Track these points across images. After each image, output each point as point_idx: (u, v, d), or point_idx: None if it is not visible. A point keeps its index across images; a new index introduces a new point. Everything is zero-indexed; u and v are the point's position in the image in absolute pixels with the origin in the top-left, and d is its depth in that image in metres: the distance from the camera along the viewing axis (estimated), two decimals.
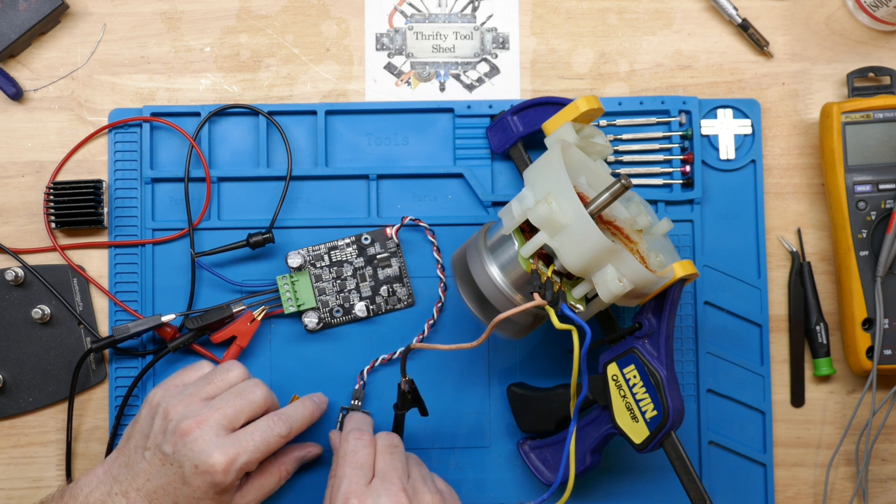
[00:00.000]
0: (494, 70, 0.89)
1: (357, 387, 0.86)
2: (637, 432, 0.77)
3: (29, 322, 0.86)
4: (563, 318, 0.72)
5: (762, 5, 0.90)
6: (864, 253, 0.84)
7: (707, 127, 0.88)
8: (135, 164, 0.87)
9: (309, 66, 0.89)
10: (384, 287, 0.86)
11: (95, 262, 0.87)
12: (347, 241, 0.86)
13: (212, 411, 0.74)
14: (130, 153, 0.87)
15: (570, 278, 0.75)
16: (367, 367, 0.86)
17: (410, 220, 0.86)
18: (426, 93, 0.89)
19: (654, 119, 0.87)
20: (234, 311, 0.84)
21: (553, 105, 0.83)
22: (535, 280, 0.73)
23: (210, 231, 0.87)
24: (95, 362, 0.86)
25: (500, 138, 0.86)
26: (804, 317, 0.87)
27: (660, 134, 0.87)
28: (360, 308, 0.86)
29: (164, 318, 0.84)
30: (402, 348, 0.84)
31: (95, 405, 0.87)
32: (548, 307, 0.72)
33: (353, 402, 0.85)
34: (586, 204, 0.74)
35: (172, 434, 0.74)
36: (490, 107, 0.87)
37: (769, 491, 0.86)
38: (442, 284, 0.86)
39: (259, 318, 0.85)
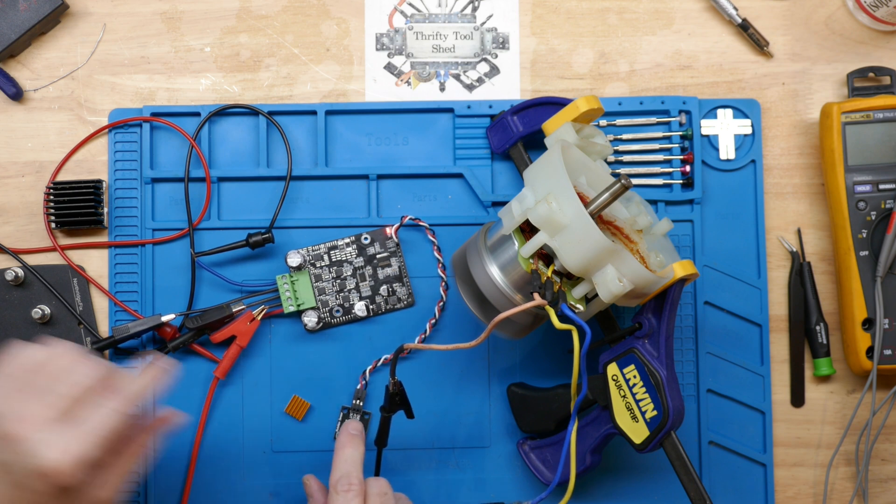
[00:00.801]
0: (494, 70, 0.89)
1: (359, 386, 0.86)
2: (637, 432, 0.77)
3: (29, 322, 0.86)
4: (563, 318, 0.72)
5: (762, 5, 0.90)
6: (864, 253, 0.84)
7: (707, 127, 0.88)
8: (135, 164, 0.87)
9: (309, 66, 0.89)
10: (384, 287, 0.86)
11: (95, 262, 0.87)
12: (347, 240, 0.86)
13: (36, 405, 0.63)
14: (130, 153, 0.87)
15: (570, 278, 0.75)
16: (370, 366, 0.86)
17: (410, 219, 0.86)
18: (426, 93, 0.89)
19: (654, 119, 0.87)
20: (234, 310, 0.84)
21: (553, 105, 0.83)
22: (535, 280, 0.73)
23: (210, 231, 0.87)
24: None
25: (500, 138, 0.86)
26: (804, 317, 0.87)
27: (660, 134, 0.87)
28: (359, 308, 0.86)
29: (164, 318, 0.84)
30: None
31: None
32: (548, 307, 0.72)
33: (354, 401, 0.85)
34: (586, 204, 0.74)
35: (1, 440, 0.62)
36: (490, 107, 0.87)
37: (769, 491, 0.86)
38: (443, 283, 0.86)
39: (259, 318, 0.85)
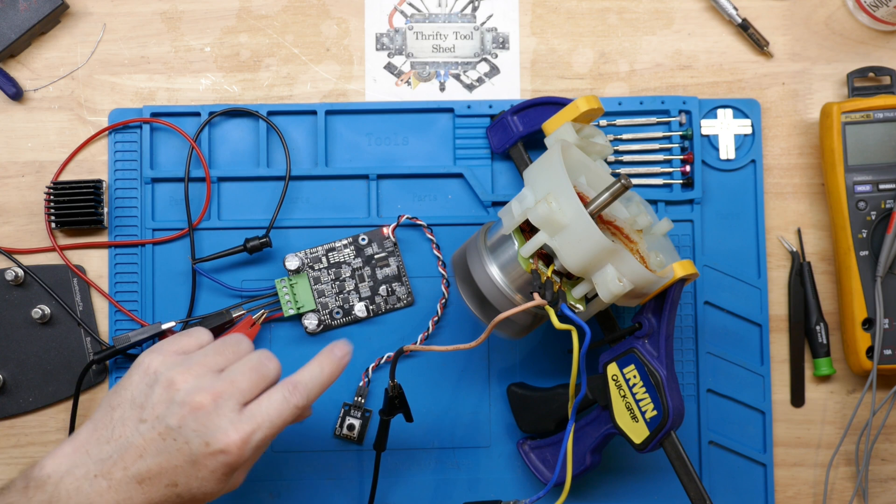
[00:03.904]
0: (494, 70, 0.89)
1: (361, 384, 0.86)
2: (637, 432, 0.77)
3: (29, 322, 0.86)
4: (562, 318, 0.72)
5: (762, 5, 0.90)
6: (864, 253, 0.84)
7: (707, 127, 0.88)
8: (135, 164, 0.87)
9: (309, 66, 0.89)
10: (383, 287, 0.86)
11: (95, 262, 0.87)
12: (345, 241, 0.86)
13: (226, 384, 0.67)
14: (130, 153, 0.87)
15: (570, 278, 0.75)
16: (373, 364, 0.86)
17: (407, 218, 0.86)
18: (426, 93, 0.89)
19: (654, 119, 0.87)
20: (234, 316, 0.84)
21: (553, 105, 0.83)
22: (535, 280, 0.73)
23: (210, 231, 0.87)
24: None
25: (500, 138, 0.86)
26: (804, 317, 0.87)
27: (660, 134, 0.87)
28: (359, 308, 0.86)
29: (165, 326, 0.84)
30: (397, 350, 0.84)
31: (96, 405, 0.86)
32: (548, 307, 0.72)
33: (356, 398, 0.85)
34: (586, 204, 0.74)
35: (181, 406, 0.65)
36: (490, 107, 0.87)
37: (769, 491, 0.86)
38: (444, 281, 0.86)
39: (259, 323, 0.84)
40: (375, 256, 0.86)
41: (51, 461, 0.66)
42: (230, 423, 0.66)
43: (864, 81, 0.88)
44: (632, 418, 0.77)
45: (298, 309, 0.85)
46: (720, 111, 0.88)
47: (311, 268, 0.86)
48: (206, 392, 0.66)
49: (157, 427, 0.66)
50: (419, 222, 0.86)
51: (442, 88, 0.89)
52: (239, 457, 0.66)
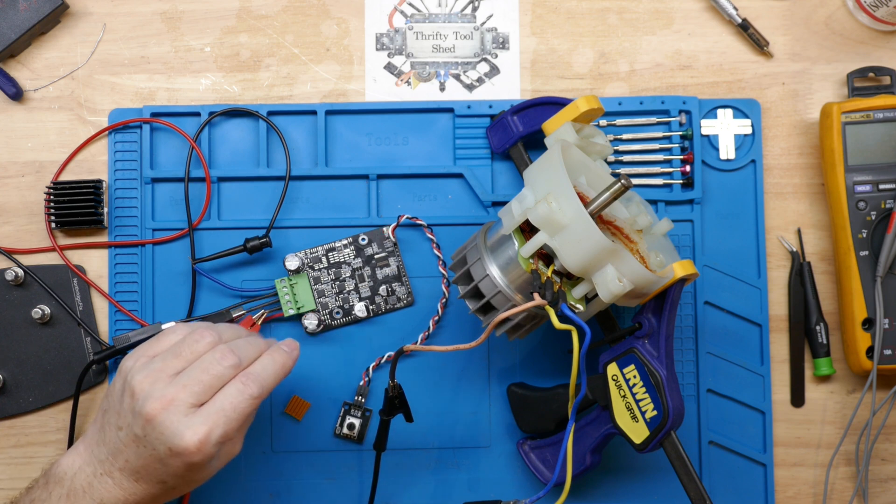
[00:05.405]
0: (494, 70, 0.89)
1: (362, 383, 0.86)
2: (637, 432, 0.77)
3: (29, 322, 0.86)
4: (562, 318, 0.72)
5: (762, 5, 0.90)
6: (864, 253, 0.84)
7: (707, 127, 0.88)
8: (135, 164, 0.87)
9: (309, 66, 0.89)
10: (383, 287, 0.86)
11: (96, 262, 0.87)
12: (345, 241, 0.86)
13: (177, 389, 0.69)
14: (130, 153, 0.87)
15: (570, 278, 0.75)
16: (373, 364, 0.86)
17: (407, 218, 0.86)
18: (426, 93, 0.89)
19: (654, 119, 0.87)
20: (234, 316, 0.84)
21: (553, 105, 0.83)
22: (535, 280, 0.73)
23: (210, 231, 0.87)
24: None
25: (500, 138, 0.86)
26: (804, 317, 0.87)
27: (660, 134, 0.87)
28: (359, 308, 0.86)
29: (165, 326, 0.84)
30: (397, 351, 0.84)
31: (96, 405, 0.86)
32: (548, 307, 0.72)
33: (356, 398, 0.85)
34: (586, 204, 0.74)
35: (138, 417, 0.69)
36: (490, 107, 0.87)
37: (769, 491, 0.86)
38: (444, 281, 0.86)
39: (259, 323, 0.84)
40: (375, 256, 0.86)
41: (66, 459, 0.72)
42: (186, 427, 0.68)
43: (864, 81, 0.88)
44: (632, 418, 0.77)
45: (298, 309, 0.85)
46: (720, 111, 0.88)
47: (311, 268, 0.86)
48: (156, 401, 0.69)
49: (129, 434, 0.70)
50: (419, 222, 0.86)
51: (442, 88, 0.89)
52: (204, 455, 0.69)
